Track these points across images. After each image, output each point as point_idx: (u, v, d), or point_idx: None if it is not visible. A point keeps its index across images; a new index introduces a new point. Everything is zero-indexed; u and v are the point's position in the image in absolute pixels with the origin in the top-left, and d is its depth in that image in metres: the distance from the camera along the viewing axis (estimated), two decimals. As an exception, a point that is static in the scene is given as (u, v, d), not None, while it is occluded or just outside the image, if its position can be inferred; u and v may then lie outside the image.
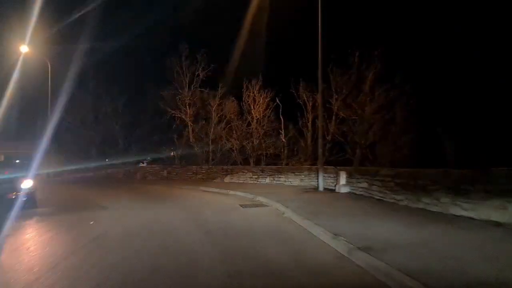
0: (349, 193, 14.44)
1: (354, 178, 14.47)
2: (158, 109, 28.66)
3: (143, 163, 33.51)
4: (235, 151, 25.69)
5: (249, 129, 25.30)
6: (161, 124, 29.88)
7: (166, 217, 10.58)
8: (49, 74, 33.87)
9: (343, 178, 14.96)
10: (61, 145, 35.18)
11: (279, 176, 20.57)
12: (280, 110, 24.29)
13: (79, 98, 33.17)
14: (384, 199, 11.77)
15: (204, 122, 27.25)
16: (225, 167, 24.06)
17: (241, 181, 22.11)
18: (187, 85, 27.04)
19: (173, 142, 28.77)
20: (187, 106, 26.99)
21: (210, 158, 26.79)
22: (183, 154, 28.64)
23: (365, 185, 13.34)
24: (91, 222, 9.89)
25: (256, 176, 21.68)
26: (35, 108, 34.36)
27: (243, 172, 22.43)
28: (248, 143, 25.10)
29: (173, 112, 26.91)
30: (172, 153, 28.84)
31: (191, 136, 27.05)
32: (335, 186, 15.79)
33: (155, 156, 31.34)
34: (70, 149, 34.60)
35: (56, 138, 34.72)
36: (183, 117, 26.97)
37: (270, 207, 12.38)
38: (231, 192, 17.35)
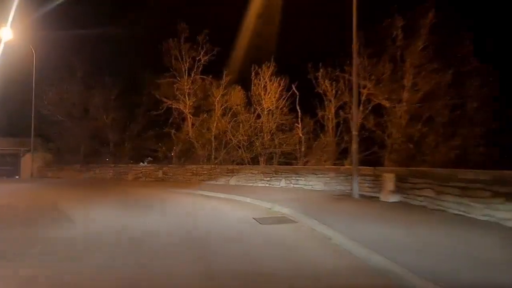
0: (401, 203, 10.75)
1: (407, 182, 10.77)
2: (154, 101, 25.00)
3: (143, 162, 29.86)
4: (242, 148, 21.98)
5: (259, 122, 21.60)
6: (157, 117, 26.22)
7: (148, 243, 6.89)
8: (34, 63, 30.37)
9: (390, 183, 11.26)
10: (49, 141, 31.61)
11: (297, 178, 16.87)
12: (297, 99, 20.58)
13: (67, 89, 29.55)
14: (469, 215, 8.07)
15: (205, 115, 23.56)
16: (230, 166, 20.37)
17: (250, 184, 18.44)
18: (186, 71, 23.34)
19: (171, 138, 25.09)
20: (187, 96, 23.29)
21: (213, 156, 23.11)
22: (181, 151, 24.99)
23: (429, 192, 9.63)
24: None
25: (268, 178, 17.99)
26: (20, 100, 30.71)
27: (252, 172, 18.73)
28: (258, 138, 21.40)
29: (170, 103, 23.21)
30: (172, 152, 25.14)
31: (190, 131, 23.36)
32: (375, 192, 12.12)
33: (148, 154, 27.69)
34: (57, 146, 30.95)
35: (42, 134, 31.27)
36: (182, 108, 23.27)
37: (300, 224, 8.69)
38: (240, 198, 13.71)
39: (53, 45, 29.69)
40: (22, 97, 30.44)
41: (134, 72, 28.78)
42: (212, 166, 20.96)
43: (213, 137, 23.07)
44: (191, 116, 23.32)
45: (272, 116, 20.98)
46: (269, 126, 21.03)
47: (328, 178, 15.74)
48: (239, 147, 22.39)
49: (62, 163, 30.39)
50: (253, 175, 18.66)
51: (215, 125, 23.01)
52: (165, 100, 23.14)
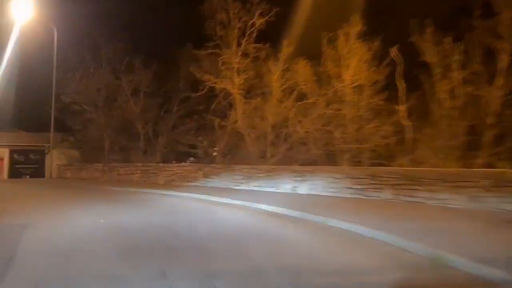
0: None
1: None
2: (193, 84, 19.43)
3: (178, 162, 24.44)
4: (310, 143, 15.90)
5: (338, 106, 15.39)
6: (197, 104, 20.65)
7: None
8: (55, 44, 25.70)
9: None
10: (71, 135, 26.90)
11: (414, 188, 10.57)
12: (397, 71, 14.17)
13: (91, 74, 24.63)
14: None
15: (259, 99, 17.66)
16: (298, 167, 14.32)
17: (330, 193, 12.35)
18: (235, 41, 17.51)
19: (213, 130, 19.41)
20: (235, 73, 17.45)
21: (269, 153, 17.18)
22: (227, 147, 19.25)
23: None
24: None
25: (360, 186, 11.81)
26: (41, 89, 26.16)
27: (335, 177, 12.58)
28: (336, 128, 15.21)
29: (213, 81, 17.44)
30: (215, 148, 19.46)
31: (239, 120, 17.51)
32: None
33: (185, 150, 22.15)
34: (79, 141, 26.18)
35: (65, 127, 26.58)
36: (229, 89, 17.44)
37: None
38: (333, 223, 7.78)
39: (76, 24, 24.96)
40: (43, 85, 25.94)
41: (169, 50, 23.41)
42: (272, 167, 14.97)
43: (269, 127, 17.14)
44: (242, 98, 17.44)
45: (361, 94, 14.66)
46: (356, 111, 14.76)
47: (477, 190, 9.33)
48: (305, 143, 16.34)
49: (86, 161, 25.54)
50: (336, 180, 12.52)
51: (272, 111, 17.09)
52: (207, 78, 17.36)
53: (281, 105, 17.14)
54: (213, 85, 17.31)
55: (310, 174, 13.29)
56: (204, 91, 17.76)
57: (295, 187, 13.54)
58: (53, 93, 24.87)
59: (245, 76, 17.31)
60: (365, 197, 11.51)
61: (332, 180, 12.59)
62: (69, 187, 18.87)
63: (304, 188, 13.25)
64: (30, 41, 24.33)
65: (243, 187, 15.05)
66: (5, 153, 27.70)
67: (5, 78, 25.09)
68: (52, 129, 25.63)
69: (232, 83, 17.29)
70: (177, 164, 17.61)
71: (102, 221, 8.39)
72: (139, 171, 19.76)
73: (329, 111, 15.22)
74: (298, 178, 13.57)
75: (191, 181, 17.19)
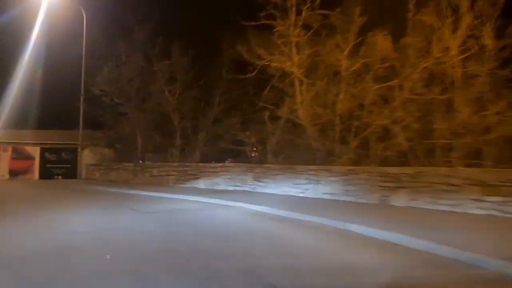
0: None
1: None
2: (239, 66, 15.97)
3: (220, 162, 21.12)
4: (398, 136, 11.97)
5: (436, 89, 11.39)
6: (243, 94, 17.22)
7: None
8: (84, 29, 23.03)
9: None
10: (101, 131, 24.20)
11: None
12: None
13: (123, 61, 21.74)
14: None
15: (325, 81, 13.93)
16: (390, 168, 10.39)
17: (447, 207, 8.49)
18: (294, 8, 13.87)
19: (263, 122, 15.89)
20: (294, 49, 13.81)
21: (337, 149, 13.40)
22: (280, 144, 15.66)
23: None
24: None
25: (496, 198, 7.87)
26: (68, 81, 23.60)
27: (451, 183, 8.66)
28: (435, 117, 11.21)
29: (267, 60, 13.83)
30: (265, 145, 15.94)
31: (300, 108, 13.86)
32: None
33: (226, 147, 18.80)
34: (109, 138, 23.42)
35: (95, 122, 23.92)
36: (287, 68, 13.78)
37: None
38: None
39: (105, 4, 22.28)
40: (71, 75, 23.36)
41: (210, 31, 20.16)
42: (349, 167, 11.15)
43: (337, 117, 13.39)
44: (302, 79, 13.76)
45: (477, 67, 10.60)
46: (464, 93, 10.71)
47: None
48: (385, 137, 12.46)
49: (120, 160, 22.68)
50: (452, 188, 8.62)
51: (341, 97, 13.34)
52: (259, 55, 13.76)
53: (353, 89, 13.37)
54: (267, 63, 13.65)
55: (410, 179, 9.44)
56: (254, 73, 14.12)
57: (386, 196, 9.75)
58: (82, 82, 22.14)
59: (306, 53, 13.60)
60: (507, 215, 7.59)
61: (447, 188, 8.71)
62: (90, 192, 15.92)
63: (401, 198, 9.44)
64: (57, 25, 21.86)
65: (309, 194, 11.39)
66: (36, 151, 25.21)
67: (31, 65, 22.80)
68: (81, 125, 22.93)
69: (290, 62, 13.62)
70: (221, 164, 14.16)
71: (108, 257, 5.03)
72: (175, 172, 16.47)
73: (423, 94, 11.23)
74: (391, 184, 9.76)
75: (239, 185, 13.71)
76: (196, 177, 15.38)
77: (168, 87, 19.80)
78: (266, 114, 15.91)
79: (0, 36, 24.17)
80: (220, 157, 21.49)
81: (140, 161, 20.74)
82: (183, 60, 19.66)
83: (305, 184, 11.61)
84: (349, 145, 13.36)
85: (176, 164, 17.17)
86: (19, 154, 24.91)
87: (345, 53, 13.39)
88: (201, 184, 15.17)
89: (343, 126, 13.52)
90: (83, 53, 22.68)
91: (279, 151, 15.84)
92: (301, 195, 11.58)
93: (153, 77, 20.64)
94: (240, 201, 10.47)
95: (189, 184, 15.58)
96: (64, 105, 25.18)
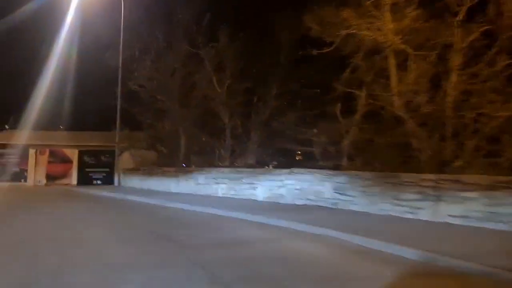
0: None
1: None
2: (303, 42, 12.61)
3: (268, 166, 17.82)
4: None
5: None
6: (308, 85, 13.88)
7: None
8: (122, 19, 20.43)
9: None
10: (140, 132, 21.66)
11: None
12: None
13: (164, 52, 19.02)
14: None
15: (431, 59, 10.23)
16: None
17: None
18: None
19: (333, 116, 12.46)
20: (388, 13, 10.18)
21: (449, 151, 9.67)
22: (359, 143, 12.14)
23: None
24: None
25: None
26: (104, 76, 21.13)
27: None
28: None
29: (352, 29, 10.21)
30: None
31: (396, 95, 10.22)
32: None
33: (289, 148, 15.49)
34: (149, 138, 20.78)
35: (135, 123, 21.41)
36: (380, 39, 10.14)
37: None
38: None
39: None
40: (107, 71, 20.87)
41: (264, 12, 16.95)
42: (498, 179, 7.37)
43: (448, 105, 9.69)
44: (408, 50, 10.10)
45: None
46: None
47: None
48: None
49: (163, 164, 19.84)
50: None
51: (454, 79, 9.65)
52: (346, 19, 10.21)
53: (470, 68, 9.65)
54: (352, 32, 10.08)
55: None
56: (333, 47, 10.60)
57: None
58: (120, 73, 19.56)
59: (405, 19, 9.95)
60: None
61: None
62: (120, 206, 13.08)
63: None
64: (93, 14, 19.50)
65: (423, 216, 7.80)
66: (74, 154, 22.92)
67: (64, 60, 20.56)
68: (118, 124, 20.42)
69: (382, 31, 10.02)
70: (287, 170, 10.81)
71: None
72: (226, 180, 13.25)
73: None
74: None
75: (312, 199, 10.28)
76: (253, 186, 12.08)
77: (216, 75, 16.74)
78: (338, 106, 12.58)
79: (32, 29, 22.35)
80: (273, 159, 18.28)
81: (184, 165, 17.83)
82: (233, 46, 16.61)
83: (417, 200, 8.02)
84: (465, 145, 9.62)
85: (227, 169, 13.97)
86: (56, 157, 22.83)
87: (459, 17, 9.69)
88: (260, 195, 11.89)
89: (454, 121, 9.79)
90: (121, 41, 20.01)
91: (357, 151, 12.37)
92: (409, 216, 8.02)
93: (198, 66, 17.71)
94: (326, 226, 7.08)
95: (243, 195, 12.34)
96: (99, 104, 22.99)
